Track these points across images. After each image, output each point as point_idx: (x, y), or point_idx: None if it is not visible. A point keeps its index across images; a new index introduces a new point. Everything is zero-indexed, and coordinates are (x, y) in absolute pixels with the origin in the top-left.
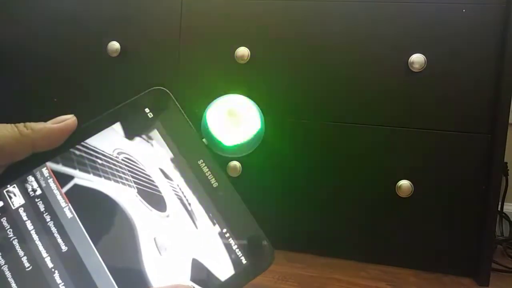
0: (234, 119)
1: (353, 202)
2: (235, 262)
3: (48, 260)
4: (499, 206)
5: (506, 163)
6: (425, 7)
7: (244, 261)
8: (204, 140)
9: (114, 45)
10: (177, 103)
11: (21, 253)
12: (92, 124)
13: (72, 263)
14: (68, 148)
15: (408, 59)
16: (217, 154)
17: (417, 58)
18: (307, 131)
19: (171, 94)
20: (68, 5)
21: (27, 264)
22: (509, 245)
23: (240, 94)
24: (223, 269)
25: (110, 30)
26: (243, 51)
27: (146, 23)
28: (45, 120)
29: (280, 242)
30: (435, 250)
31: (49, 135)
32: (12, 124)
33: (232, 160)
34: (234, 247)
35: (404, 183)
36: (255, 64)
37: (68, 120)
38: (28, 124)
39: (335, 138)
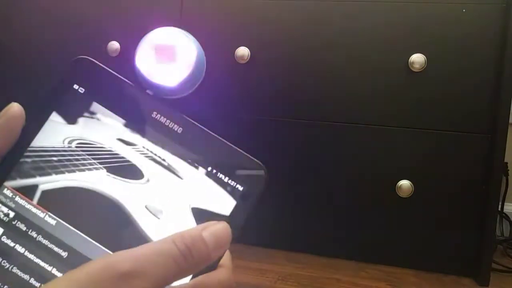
0: (166, 55)
1: (353, 202)
2: (233, 192)
3: (55, 271)
4: (499, 206)
5: (506, 163)
6: (425, 7)
7: (241, 188)
8: (148, 91)
9: (114, 45)
10: (104, 66)
11: (26, 277)
12: (28, 125)
13: (78, 264)
14: (17, 160)
15: (408, 59)
16: (168, 100)
17: (417, 58)
18: (307, 131)
19: (93, 60)
20: (68, 6)
21: (37, 284)
22: (509, 245)
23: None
24: (225, 204)
25: (110, 30)
26: (243, 51)
27: (146, 23)
28: None
29: (280, 242)
30: (435, 250)
31: (3, 132)
32: None
33: None
34: (226, 179)
35: (404, 183)
36: (255, 64)
37: (10, 108)
38: None
39: (335, 138)
